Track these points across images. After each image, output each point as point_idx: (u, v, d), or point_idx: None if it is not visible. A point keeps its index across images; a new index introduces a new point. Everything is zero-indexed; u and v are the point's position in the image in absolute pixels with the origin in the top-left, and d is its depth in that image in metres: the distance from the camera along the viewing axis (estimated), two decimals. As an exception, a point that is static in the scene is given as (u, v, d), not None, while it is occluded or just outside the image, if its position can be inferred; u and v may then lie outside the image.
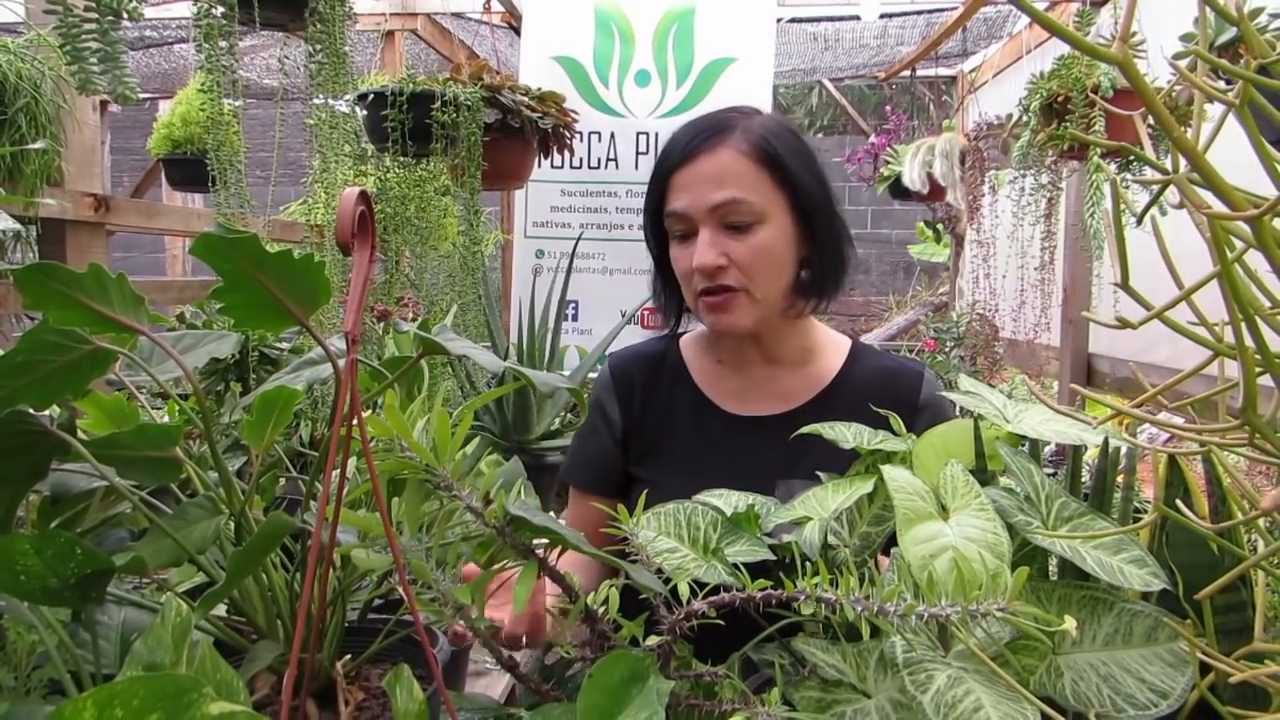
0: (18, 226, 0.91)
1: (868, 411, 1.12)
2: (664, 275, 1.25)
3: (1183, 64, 1.48)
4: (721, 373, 1.24)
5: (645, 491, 1.13)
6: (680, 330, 1.32)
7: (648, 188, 1.20)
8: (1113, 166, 2.29)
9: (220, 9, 1.43)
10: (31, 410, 0.66)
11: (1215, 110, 0.54)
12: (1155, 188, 0.52)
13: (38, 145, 1.30)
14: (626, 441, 1.25)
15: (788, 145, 1.14)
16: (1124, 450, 0.79)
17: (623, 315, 2.92)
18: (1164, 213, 0.57)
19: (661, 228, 1.18)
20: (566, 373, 2.78)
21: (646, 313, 3.08)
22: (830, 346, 1.26)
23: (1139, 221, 0.55)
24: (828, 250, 1.17)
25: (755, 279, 1.11)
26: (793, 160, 1.13)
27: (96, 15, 1.07)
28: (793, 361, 1.23)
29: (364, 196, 0.50)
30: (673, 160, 1.14)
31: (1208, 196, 0.50)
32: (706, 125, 1.15)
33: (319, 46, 1.56)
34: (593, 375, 2.74)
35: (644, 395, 1.25)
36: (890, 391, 1.18)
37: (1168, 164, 0.53)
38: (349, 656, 0.71)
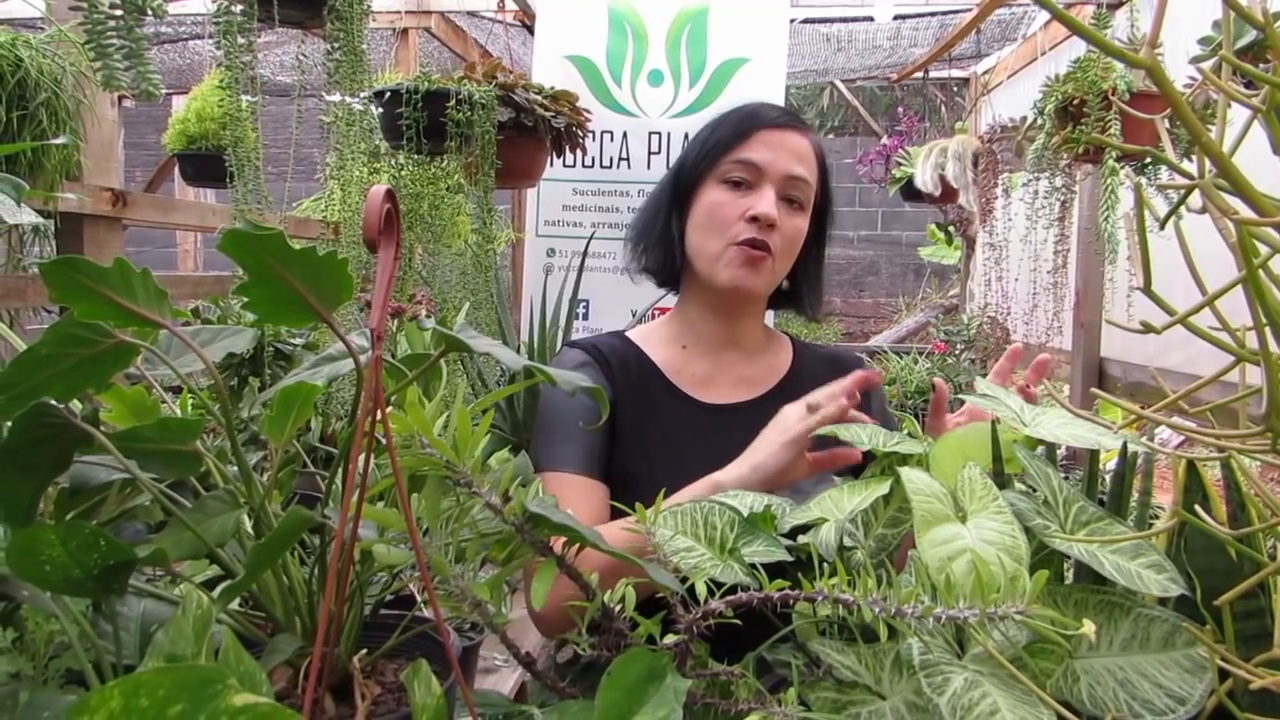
0: (40, 220, 0.92)
1: None
2: (679, 218, 1.24)
3: (1203, 67, 1.47)
4: (687, 359, 1.26)
5: (645, 488, 1.17)
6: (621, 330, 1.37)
7: (718, 128, 1.21)
8: (1127, 170, 2.29)
9: (239, 6, 1.44)
10: (55, 402, 0.66)
11: (1231, 114, 0.54)
12: (1178, 192, 0.52)
13: (60, 140, 1.31)
14: (612, 419, 1.20)
15: (827, 169, 1.25)
16: (1140, 455, 0.79)
17: (633, 315, 2.92)
18: (1179, 217, 0.57)
19: (697, 173, 1.20)
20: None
21: (657, 312, 3.09)
22: (776, 338, 1.34)
23: (1162, 226, 0.55)
24: (814, 266, 1.28)
25: (781, 254, 1.18)
26: (829, 177, 1.24)
27: (121, 12, 1.08)
28: (751, 349, 1.28)
29: (390, 195, 0.51)
30: (766, 119, 1.19)
31: (1232, 201, 0.50)
32: (790, 111, 1.24)
33: (336, 44, 1.57)
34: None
35: (621, 381, 1.23)
36: (839, 378, 1.24)
37: (1186, 167, 0.53)
38: (365, 651, 0.72)
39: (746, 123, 1.19)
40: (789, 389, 1.24)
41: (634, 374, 1.24)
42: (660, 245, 1.25)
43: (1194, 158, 0.51)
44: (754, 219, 1.14)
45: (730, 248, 1.15)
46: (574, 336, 2.59)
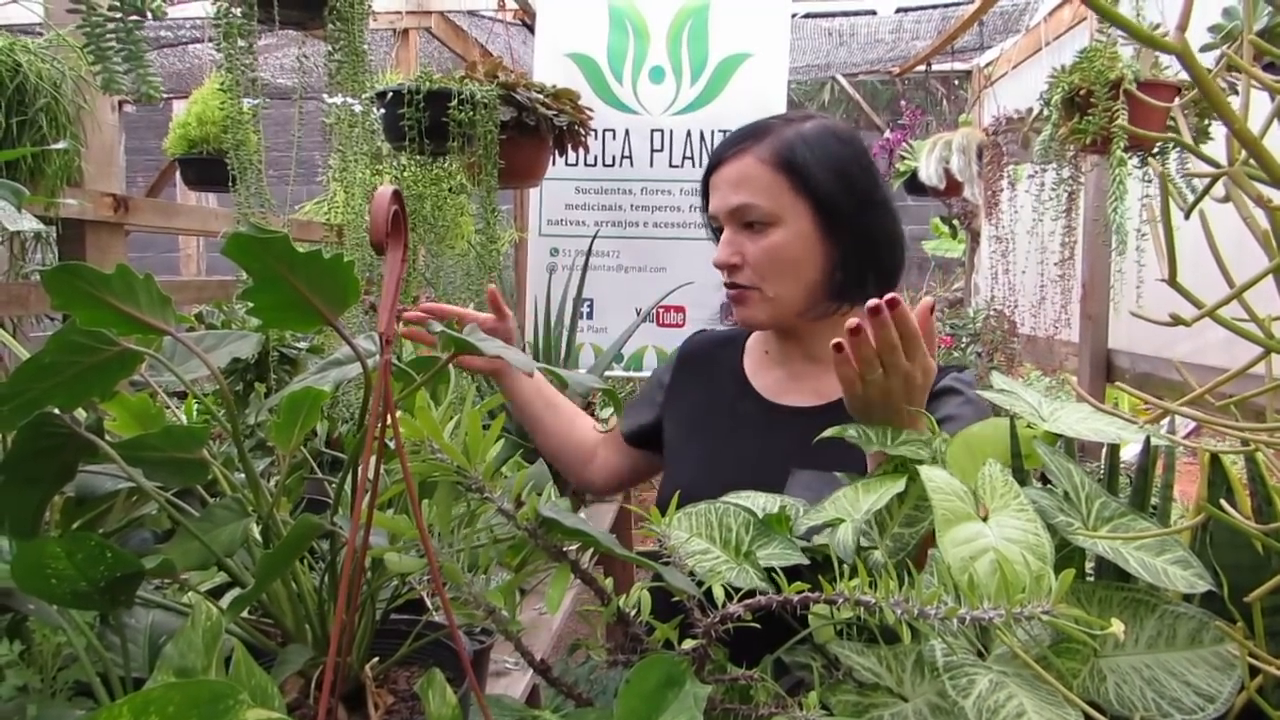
0: (41, 227, 0.91)
1: None
2: None
3: (1213, 57, 1.46)
4: (766, 363, 1.32)
5: (682, 464, 1.32)
6: None
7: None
8: (1134, 161, 2.27)
9: (239, 8, 1.43)
10: (59, 412, 0.65)
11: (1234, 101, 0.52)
12: (1205, 180, 0.51)
13: (60, 146, 1.30)
14: (665, 405, 1.37)
15: (820, 152, 1.18)
16: (1161, 449, 0.78)
17: (638, 313, 2.91)
18: (1184, 211, 0.55)
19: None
20: (581, 370, 2.77)
21: (662, 310, 3.08)
22: None
23: (1187, 215, 0.53)
24: (862, 253, 1.21)
25: (767, 279, 1.18)
26: (819, 168, 1.18)
27: (120, 14, 1.07)
28: (830, 361, 1.24)
29: (397, 196, 0.50)
30: (710, 165, 1.25)
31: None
32: (741, 133, 1.24)
33: (337, 45, 1.56)
34: (611, 371, 2.78)
35: (703, 372, 1.36)
36: None
37: (1206, 154, 0.51)
38: (377, 659, 0.71)
39: (705, 175, 1.26)
40: None
41: (719, 362, 1.36)
42: None
43: (1203, 147, 0.49)
44: (716, 267, 1.21)
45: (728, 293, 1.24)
46: (578, 336, 2.59)
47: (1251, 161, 0.46)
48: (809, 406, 1.24)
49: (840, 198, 1.18)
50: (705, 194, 1.26)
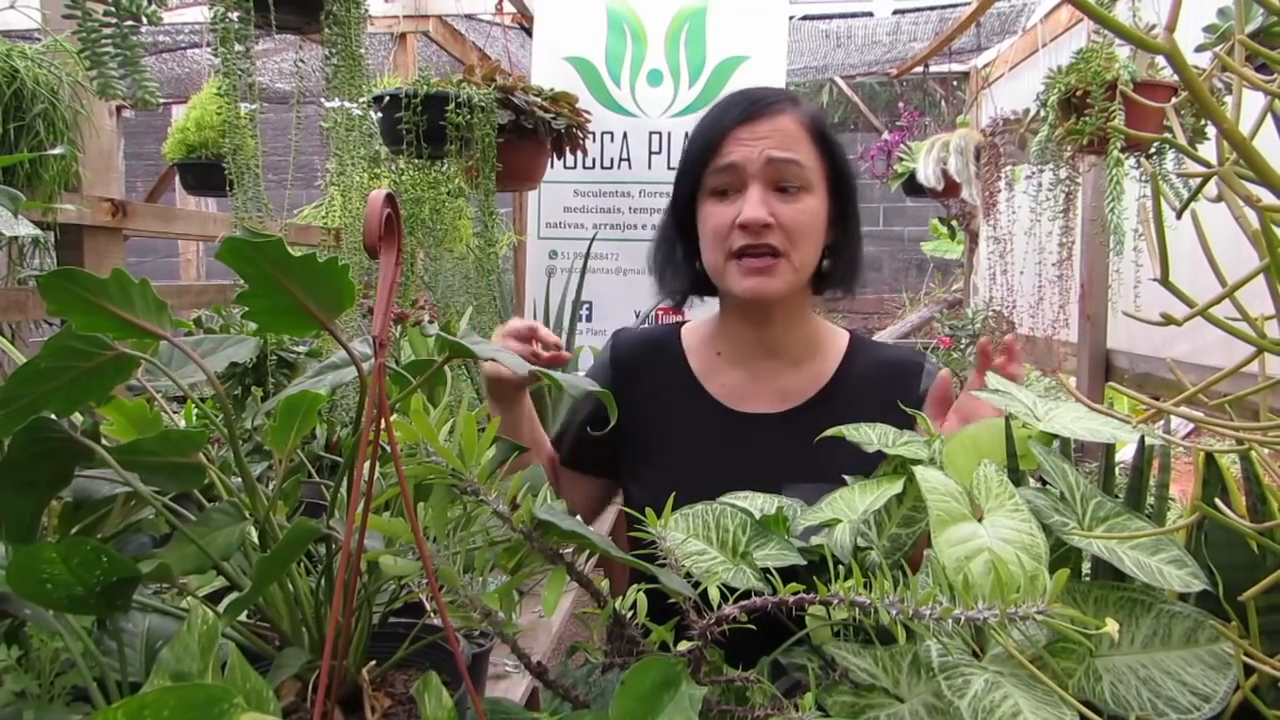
0: (38, 232, 0.92)
1: (869, 407, 1.08)
2: (684, 243, 1.21)
3: (1208, 57, 1.46)
4: (720, 365, 1.21)
5: (642, 488, 1.20)
6: (682, 320, 1.32)
7: (692, 143, 1.17)
8: (1130, 161, 2.27)
9: (236, 13, 1.43)
10: (55, 416, 0.65)
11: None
12: (1197, 180, 0.51)
13: (57, 151, 1.31)
14: (618, 426, 1.24)
15: (831, 132, 1.18)
16: (1156, 449, 0.78)
17: (637, 315, 2.92)
18: (1176, 211, 0.56)
19: (692, 191, 1.16)
20: (581, 373, 2.77)
21: (661, 312, 3.08)
22: (830, 340, 1.24)
23: (1179, 215, 0.54)
24: (849, 241, 1.20)
25: (797, 245, 1.10)
26: (836, 146, 1.17)
27: (115, 19, 1.07)
28: (794, 356, 1.20)
29: (390, 199, 0.50)
30: (733, 117, 1.13)
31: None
32: (769, 91, 1.17)
33: (334, 49, 1.56)
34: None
35: (645, 382, 1.22)
36: (892, 386, 1.17)
37: (1199, 155, 0.51)
38: (374, 662, 0.71)
39: (714, 129, 1.13)
40: (827, 399, 1.17)
41: (662, 373, 1.22)
42: (680, 273, 1.22)
43: (1199, 146, 0.50)
44: (744, 226, 1.08)
45: (730, 261, 1.11)
46: (577, 339, 2.59)
47: (1242, 161, 0.46)
48: (776, 413, 1.18)
49: (849, 179, 1.18)
50: (710, 147, 1.13)
